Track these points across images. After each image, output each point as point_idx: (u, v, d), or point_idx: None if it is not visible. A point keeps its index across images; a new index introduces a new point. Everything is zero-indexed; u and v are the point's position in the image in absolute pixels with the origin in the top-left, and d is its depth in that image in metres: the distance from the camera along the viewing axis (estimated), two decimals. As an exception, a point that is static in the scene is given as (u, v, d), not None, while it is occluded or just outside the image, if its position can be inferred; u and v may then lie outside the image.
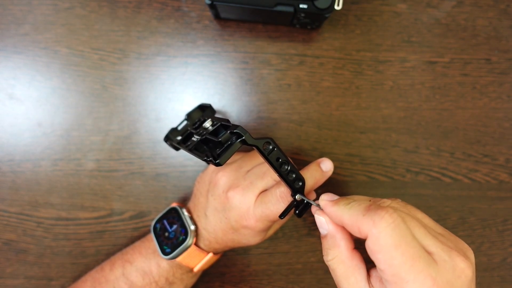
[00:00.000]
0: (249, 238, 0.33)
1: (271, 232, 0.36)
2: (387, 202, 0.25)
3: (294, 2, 0.35)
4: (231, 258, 0.42)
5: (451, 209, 0.43)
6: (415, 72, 0.42)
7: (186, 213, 0.35)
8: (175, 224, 0.35)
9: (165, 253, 0.33)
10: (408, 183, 0.43)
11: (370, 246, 0.22)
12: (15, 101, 0.41)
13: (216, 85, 0.42)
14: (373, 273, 0.25)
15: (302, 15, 0.36)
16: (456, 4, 0.43)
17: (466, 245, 0.24)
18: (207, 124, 0.28)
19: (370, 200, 0.25)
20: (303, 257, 0.43)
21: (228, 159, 0.25)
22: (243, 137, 0.25)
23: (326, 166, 0.34)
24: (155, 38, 0.41)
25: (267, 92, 0.42)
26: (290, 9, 0.35)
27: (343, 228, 0.26)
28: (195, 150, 0.29)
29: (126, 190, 0.41)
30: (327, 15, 0.35)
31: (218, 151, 0.25)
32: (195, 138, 0.29)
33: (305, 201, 0.29)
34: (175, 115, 0.41)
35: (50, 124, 0.41)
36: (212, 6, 0.36)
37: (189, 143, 0.31)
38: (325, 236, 0.26)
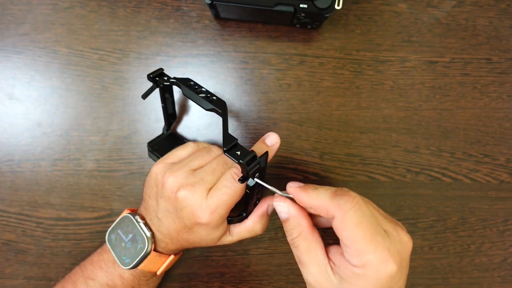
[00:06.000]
0: (204, 237, 0.32)
1: (235, 238, 0.34)
2: (350, 191, 0.29)
3: (294, 2, 0.35)
4: (231, 258, 0.42)
5: (451, 209, 0.43)
6: (415, 72, 0.42)
7: (140, 220, 0.33)
8: (130, 233, 0.33)
9: (125, 263, 0.32)
10: (409, 183, 0.42)
11: (336, 225, 0.26)
12: (15, 101, 0.41)
13: (216, 85, 0.41)
14: (332, 249, 0.28)
15: (302, 15, 0.36)
16: (456, 3, 0.42)
17: (403, 227, 0.30)
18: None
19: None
20: (303, 257, 0.43)
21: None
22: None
23: (271, 139, 0.33)
24: (155, 38, 0.41)
25: (267, 92, 0.42)
26: (290, 9, 0.35)
27: (303, 210, 0.29)
28: None
29: (126, 190, 0.41)
30: (327, 15, 0.35)
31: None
32: None
33: (260, 184, 0.30)
34: (175, 115, 0.41)
35: (49, 124, 0.41)
36: (212, 6, 0.36)
37: None
38: (287, 219, 0.29)
